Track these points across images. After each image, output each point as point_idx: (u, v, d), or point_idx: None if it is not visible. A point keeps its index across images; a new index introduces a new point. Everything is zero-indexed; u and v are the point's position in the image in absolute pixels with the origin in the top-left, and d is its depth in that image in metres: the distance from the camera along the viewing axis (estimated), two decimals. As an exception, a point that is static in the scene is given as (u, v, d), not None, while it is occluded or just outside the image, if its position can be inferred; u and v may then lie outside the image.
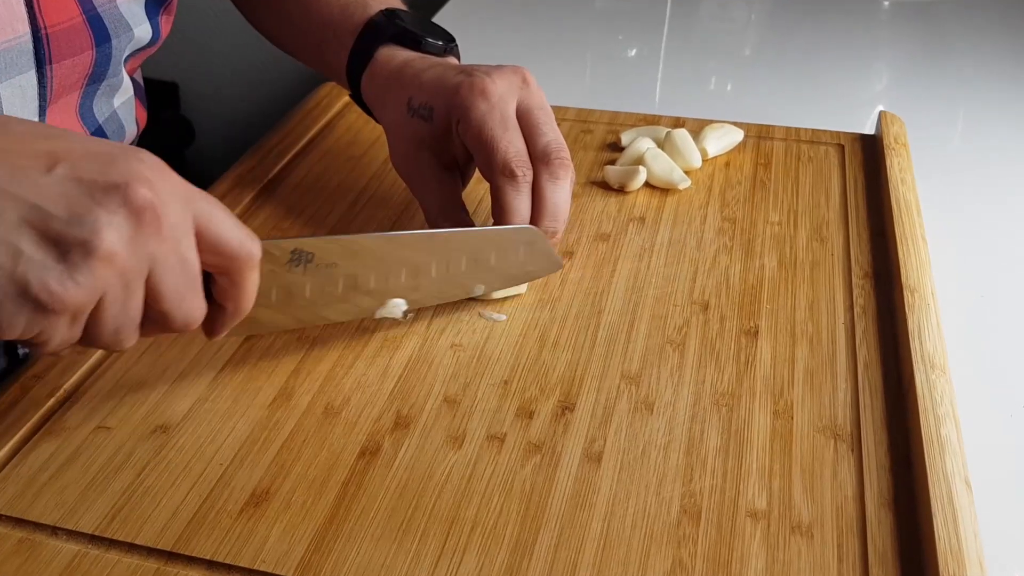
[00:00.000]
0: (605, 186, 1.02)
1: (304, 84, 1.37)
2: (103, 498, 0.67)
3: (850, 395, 0.76)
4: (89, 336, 0.62)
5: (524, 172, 0.83)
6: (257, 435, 0.72)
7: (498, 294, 0.85)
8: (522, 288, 0.86)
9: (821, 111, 1.28)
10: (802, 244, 0.93)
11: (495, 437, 0.72)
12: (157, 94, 2.02)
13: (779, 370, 0.78)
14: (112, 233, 0.57)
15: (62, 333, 0.60)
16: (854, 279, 0.88)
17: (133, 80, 0.95)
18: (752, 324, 0.83)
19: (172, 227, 0.60)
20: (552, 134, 0.85)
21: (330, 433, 0.72)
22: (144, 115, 0.99)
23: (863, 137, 1.12)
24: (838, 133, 1.12)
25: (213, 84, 2.13)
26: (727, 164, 1.07)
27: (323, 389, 0.76)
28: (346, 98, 1.17)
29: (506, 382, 0.77)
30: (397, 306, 0.78)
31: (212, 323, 0.68)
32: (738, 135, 1.09)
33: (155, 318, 0.63)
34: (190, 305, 0.63)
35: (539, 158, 0.84)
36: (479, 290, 0.83)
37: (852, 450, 0.71)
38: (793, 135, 1.12)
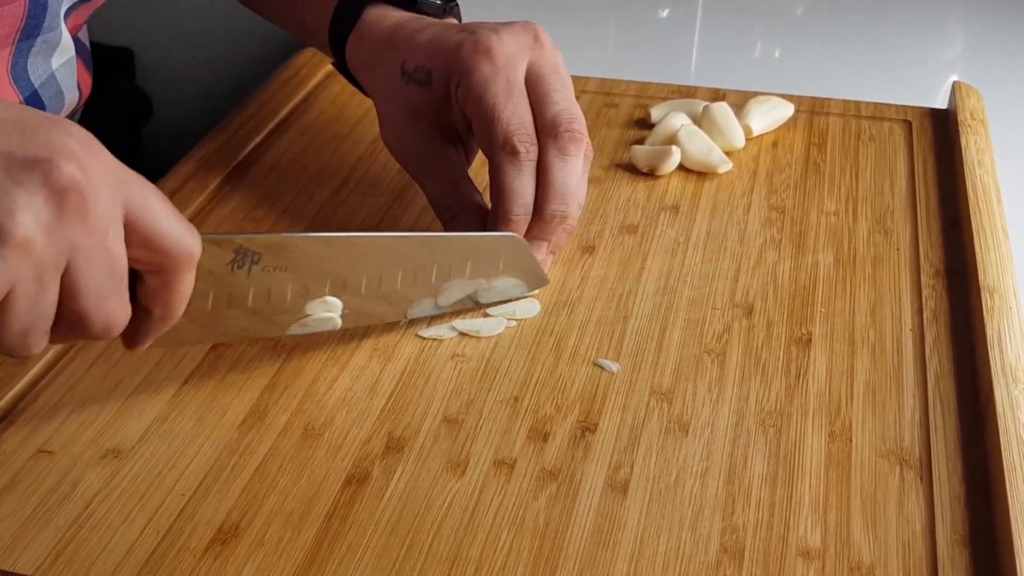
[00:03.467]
0: (632, 169, 1.03)
1: (280, 50, 1.37)
2: (45, 534, 0.67)
3: (919, 414, 0.76)
4: None
5: (527, 148, 0.83)
6: (225, 461, 0.72)
7: (500, 295, 0.85)
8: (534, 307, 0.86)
9: (885, 82, 1.28)
10: (862, 237, 0.93)
11: (503, 463, 0.72)
12: (107, 61, 2.02)
13: (836, 385, 0.78)
14: (28, 217, 0.56)
15: None
16: (923, 278, 0.88)
17: (76, 40, 0.95)
18: (804, 331, 0.83)
19: (99, 215, 0.59)
20: (564, 103, 0.85)
21: (310, 458, 0.72)
22: (88, 80, 0.99)
23: (934, 112, 1.12)
24: (905, 107, 1.12)
25: (173, 50, 2.13)
26: (775, 144, 1.07)
27: (302, 407, 0.77)
28: (329, 66, 1.17)
29: (516, 398, 0.77)
30: (332, 305, 0.77)
31: (134, 330, 0.66)
32: (787, 110, 1.09)
33: (70, 320, 0.62)
34: (112, 307, 0.62)
35: (547, 130, 0.84)
36: (432, 307, 0.83)
37: (921, 478, 0.71)
38: (852, 110, 1.12)
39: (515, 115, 0.83)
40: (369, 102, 0.96)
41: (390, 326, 0.83)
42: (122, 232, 0.61)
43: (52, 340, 0.63)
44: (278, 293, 0.74)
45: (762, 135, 1.08)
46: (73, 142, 0.58)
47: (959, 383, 0.78)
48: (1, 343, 0.61)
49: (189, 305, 0.67)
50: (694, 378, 0.78)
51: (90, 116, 1.05)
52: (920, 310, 0.85)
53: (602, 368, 0.79)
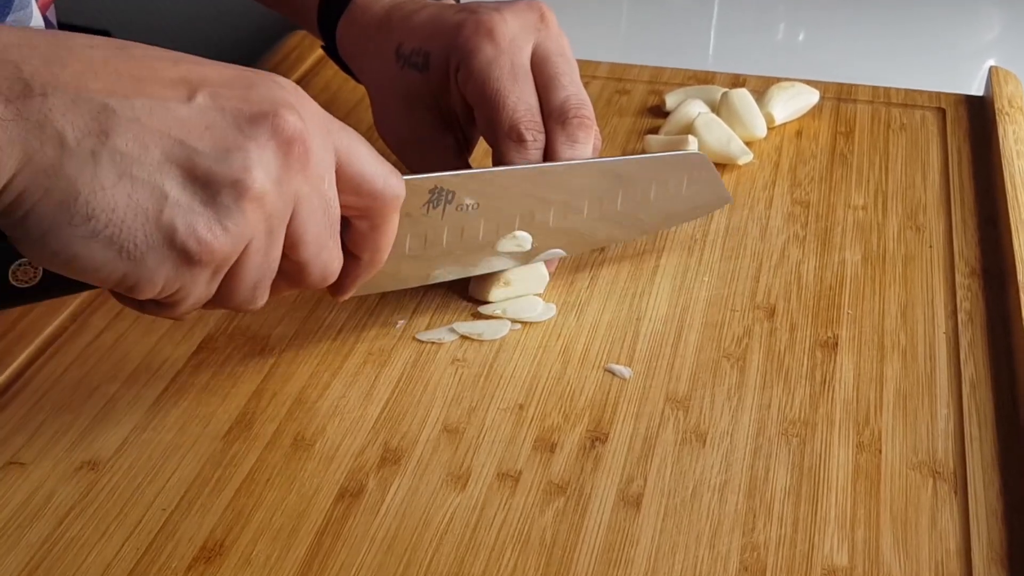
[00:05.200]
0: (645, 161, 1.03)
1: (267, 33, 1.37)
2: (16, 552, 0.67)
3: (953, 423, 0.76)
4: (223, 293, 0.65)
5: (534, 136, 0.83)
6: (209, 474, 0.72)
7: (504, 294, 0.85)
8: (539, 288, 0.86)
9: (917, 66, 1.28)
10: (893, 234, 0.93)
11: (507, 475, 0.72)
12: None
13: (864, 392, 0.78)
14: (261, 171, 0.60)
15: (200, 289, 0.63)
16: (958, 277, 0.88)
17: (47, 20, 0.95)
18: (830, 334, 0.83)
19: (317, 162, 0.63)
20: (573, 88, 0.85)
21: (300, 471, 0.73)
22: None
23: (969, 99, 1.12)
24: (938, 94, 1.12)
25: (153, 32, 2.13)
26: (799, 133, 1.07)
27: (292, 415, 0.77)
28: (319, 51, 1.18)
29: (521, 406, 0.77)
30: (523, 239, 0.82)
31: (342, 278, 0.71)
32: (812, 97, 1.09)
33: (289, 270, 0.66)
34: (329, 254, 0.67)
35: (554, 116, 0.84)
36: (626, 235, 0.89)
37: (955, 492, 0.71)
38: (881, 97, 1.12)
39: (521, 100, 0.83)
40: (362, 89, 0.96)
41: (385, 329, 0.83)
42: (334, 178, 0.65)
43: (271, 293, 0.67)
44: (471, 231, 0.79)
45: (785, 124, 1.08)
46: (288, 93, 0.63)
47: (996, 390, 0.78)
48: (233, 298, 0.65)
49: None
50: (712, 385, 0.79)
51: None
52: (954, 312, 0.85)
53: (613, 374, 0.79)
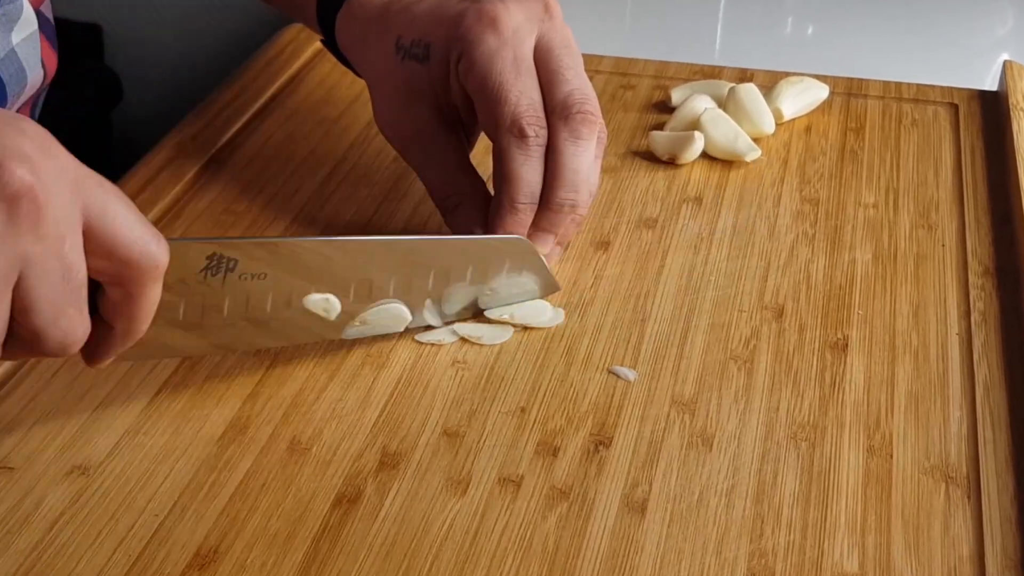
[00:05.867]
0: (651, 157, 1.03)
1: (264, 26, 1.37)
2: (5, 559, 0.67)
3: (966, 426, 0.76)
4: None
5: (537, 131, 0.83)
6: (203, 478, 0.72)
7: (504, 313, 0.85)
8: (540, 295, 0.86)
9: (929, 61, 1.28)
10: (904, 232, 0.93)
11: (509, 480, 0.72)
12: (73, 38, 2.01)
13: (874, 394, 0.78)
14: None
15: None
16: (971, 277, 0.88)
17: (39, 14, 0.95)
18: (840, 335, 0.83)
19: (55, 222, 0.58)
20: (577, 81, 0.85)
21: (297, 475, 0.73)
22: (54, 59, 0.98)
23: (983, 95, 1.12)
24: (950, 89, 1.12)
25: (146, 26, 2.13)
26: (808, 129, 1.07)
27: (288, 419, 0.77)
28: (317, 43, 1.18)
29: (523, 409, 0.77)
30: (330, 303, 0.77)
31: (95, 345, 0.66)
32: (822, 92, 1.09)
33: (23, 336, 0.61)
34: (69, 322, 0.62)
35: (558, 111, 0.83)
36: (433, 319, 0.84)
37: (968, 497, 0.71)
38: (892, 92, 1.12)
39: (523, 94, 0.83)
40: (362, 83, 0.96)
41: (380, 334, 0.83)
42: (80, 240, 0.60)
43: (4, 357, 0.62)
44: (257, 301, 0.74)
45: (794, 120, 1.08)
46: (25, 141, 0.58)
47: (1011, 393, 0.78)
48: None
49: (157, 316, 0.66)
50: (719, 387, 0.79)
51: (53, 99, 1.05)
52: (968, 312, 0.85)
53: (618, 376, 0.79)
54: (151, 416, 0.77)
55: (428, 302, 0.82)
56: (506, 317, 0.84)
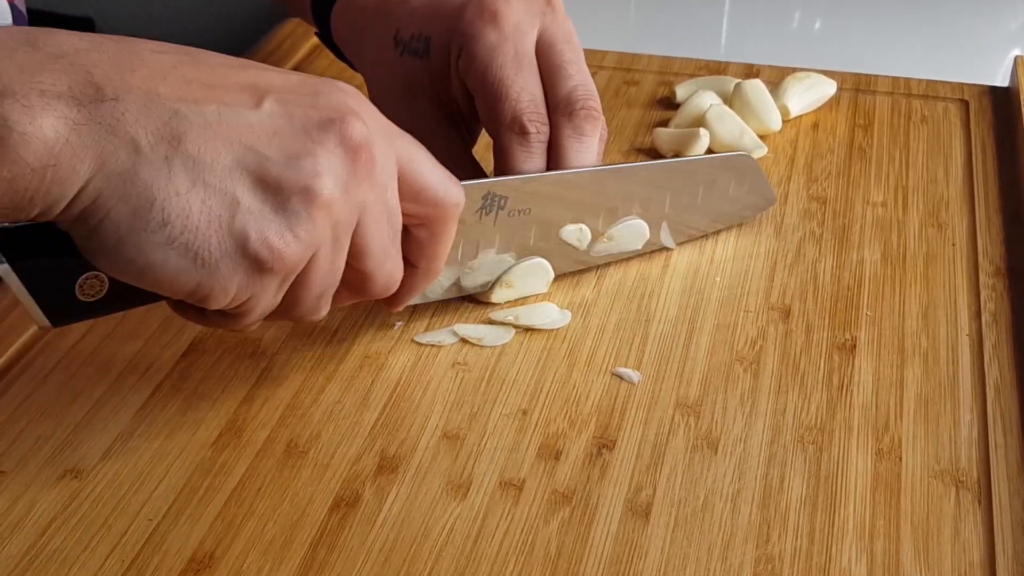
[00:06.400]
0: (655, 154, 1.03)
1: (260, 20, 1.37)
2: (-3, 563, 0.68)
3: (977, 429, 0.76)
4: (288, 303, 0.67)
5: (538, 128, 0.83)
6: (198, 482, 0.72)
7: (507, 295, 0.85)
8: (544, 287, 0.86)
9: (938, 56, 1.28)
10: (913, 232, 0.93)
11: (511, 484, 0.72)
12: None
13: (883, 397, 0.78)
14: (329, 177, 0.63)
15: (269, 298, 0.65)
16: (982, 277, 0.88)
17: (13, 8, 0.94)
18: (848, 336, 0.83)
19: (382, 170, 0.65)
20: (580, 77, 0.85)
21: (294, 479, 0.73)
22: None
23: (994, 91, 1.12)
24: (961, 85, 1.12)
25: (139, 19, 2.13)
26: (815, 126, 1.07)
27: (284, 421, 0.77)
28: (315, 38, 1.18)
29: (525, 412, 0.77)
30: (583, 232, 0.85)
31: (400, 289, 0.73)
32: (829, 88, 1.09)
33: (353, 280, 0.68)
34: (392, 264, 0.69)
35: (560, 108, 0.83)
36: (670, 240, 0.90)
37: (979, 501, 0.71)
38: (902, 88, 1.12)
39: (524, 90, 0.83)
40: (360, 78, 0.96)
41: (382, 331, 0.83)
42: (397, 187, 0.67)
43: (333, 303, 0.70)
44: (522, 236, 0.81)
45: (801, 116, 1.08)
46: (351, 99, 0.65)
47: (1022, 395, 0.78)
48: (298, 307, 0.67)
49: None
50: (724, 389, 0.79)
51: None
52: (978, 313, 0.85)
53: (621, 378, 0.79)
54: (145, 419, 0.77)
55: (664, 224, 0.89)
56: (511, 319, 0.84)
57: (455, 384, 0.79)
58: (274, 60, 1.16)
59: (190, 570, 0.67)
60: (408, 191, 0.68)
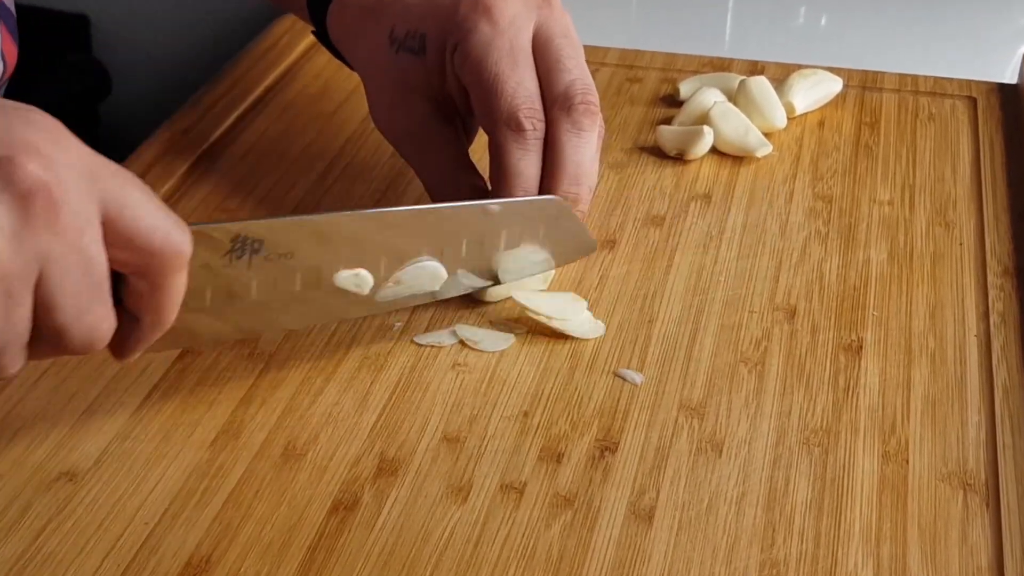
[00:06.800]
0: (659, 153, 1.03)
1: (257, 17, 1.37)
2: (-10, 568, 0.68)
3: (985, 431, 0.76)
4: None
5: (534, 124, 0.83)
6: (194, 485, 0.72)
7: (503, 293, 0.85)
8: (543, 285, 0.86)
9: (946, 53, 1.28)
10: (921, 230, 0.93)
11: (511, 487, 0.72)
12: (59, 29, 2.01)
13: (890, 398, 0.78)
14: None
15: None
16: (990, 277, 0.88)
17: (1, 6, 0.94)
18: (854, 337, 0.83)
19: (72, 215, 0.58)
20: (578, 71, 0.84)
21: (292, 482, 0.73)
22: (14, 50, 0.97)
23: (1002, 87, 1.12)
24: (969, 82, 1.12)
25: (135, 16, 2.13)
26: (821, 124, 1.07)
27: (282, 423, 0.77)
28: (310, 36, 1.17)
29: (526, 414, 0.77)
30: (361, 278, 0.77)
31: (122, 340, 0.66)
32: (835, 85, 1.09)
33: (48, 335, 0.61)
34: (94, 318, 0.62)
35: (558, 102, 0.83)
36: (474, 283, 0.84)
37: (987, 504, 0.71)
38: (909, 85, 1.12)
39: (520, 85, 0.83)
40: (358, 76, 0.96)
41: (382, 332, 0.83)
42: (99, 233, 0.60)
43: (31, 357, 0.62)
44: (285, 282, 0.74)
45: (806, 114, 1.08)
46: (35, 133, 0.58)
47: (1031, 396, 0.78)
48: None
49: (183, 304, 0.66)
50: (729, 391, 0.79)
51: (39, 93, 1.05)
52: (986, 313, 0.85)
53: (624, 379, 0.79)
54: (140, 421, 0.77)
55: (460, 271, 0.82)
56: (542, 320, 0.83)
57: (455, 385, 0.79)
58: (271, 57, 1.16)
59: (187, 574, 0.67)
60: (118, 238, 0.60)
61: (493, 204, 0.82)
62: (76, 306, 0.60)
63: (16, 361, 0.61)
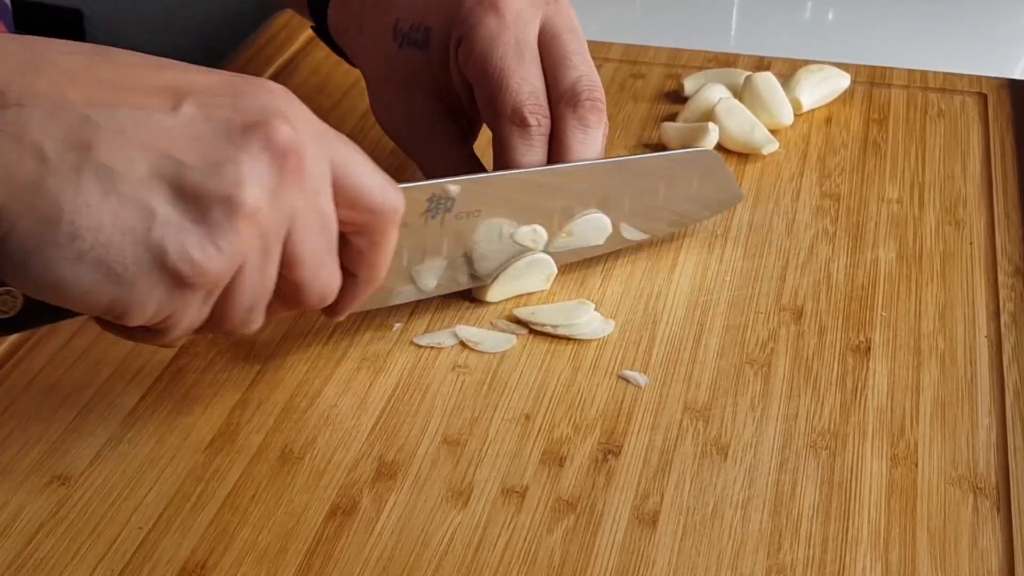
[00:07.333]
0: (662, 150, 1.02)
1: (254, 12, 1.37)
2: (-18, 573, 0.68)
3: (995, 434, 0.75)
4: (216, 317, 0.65)
5: (539, 120, 0.82)
6: (190, 489, 0.72)
7: (503, 293, 0.85)
8: (545, 284, 0.86)
9: (955, 48, 1.28)
10: (930, 229, 0.93)
11: (513, 491, 0.72)
12: (52, 24, 2.02)
13: (899, 400, 0.78)
14: (255, 185, 0.60)
15: (193, 313, 0.63)
16: (1001, 276, 0.88)
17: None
18: (862, 338, 0.83)
19: (312, 175, 0.63)
20: (584, 68, 0.84)
21: (289, 486, 0.73)
22: None
23: (1012, 83, 1.11)
24: (979, 78, 1.12)
25: (130, 11, 2.13)
26: (828, 120, 1.07)
27: (279, 426, 0.77)
28: (309, 31, 1.18)
29: (528, 416, 0.77)
30: (538, 233, 0.84)
31: (339, 298, 0.71)
32: (843, 81, 1.09)
33: (285, 291, 0.66)
34: (328, 274, 0.67)
35: (564, 99, 0.83)
36: (636, 235, 0.89)
37: (997, 508, 0.71)
38: (918, 81, 1.12)
39: (526, 81, 0.83)
40: (357, 72, 0.96)
41: (381, 333, 0.83)
42: (331, 192, 0.65)
43: (267, 314, 0.68)
44: (471, 239, 0.80)
45: (813, 110, 1.08)
46: (279, 101, 0.63)
47: (1042, 398, 0.78)
48: (226, 322, 0.65)
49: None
50: (734, 393, 0.79)
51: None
52: (997, 313, 0.85)
53: (627, 381, 0.79)
54: (135, 423, 0.77)
55: (623, 223, 0.87)
56: (547, 328, 0.83)
57: (456, 387, 0.79)
58: (269, 52, 1.16)
59: (182, 580, 0.67)
60: (344, 197, 0.66)
61: (653, 157, 0.87)
62: (315, 261, 0.66)
63: (260, 317, 0.67)
